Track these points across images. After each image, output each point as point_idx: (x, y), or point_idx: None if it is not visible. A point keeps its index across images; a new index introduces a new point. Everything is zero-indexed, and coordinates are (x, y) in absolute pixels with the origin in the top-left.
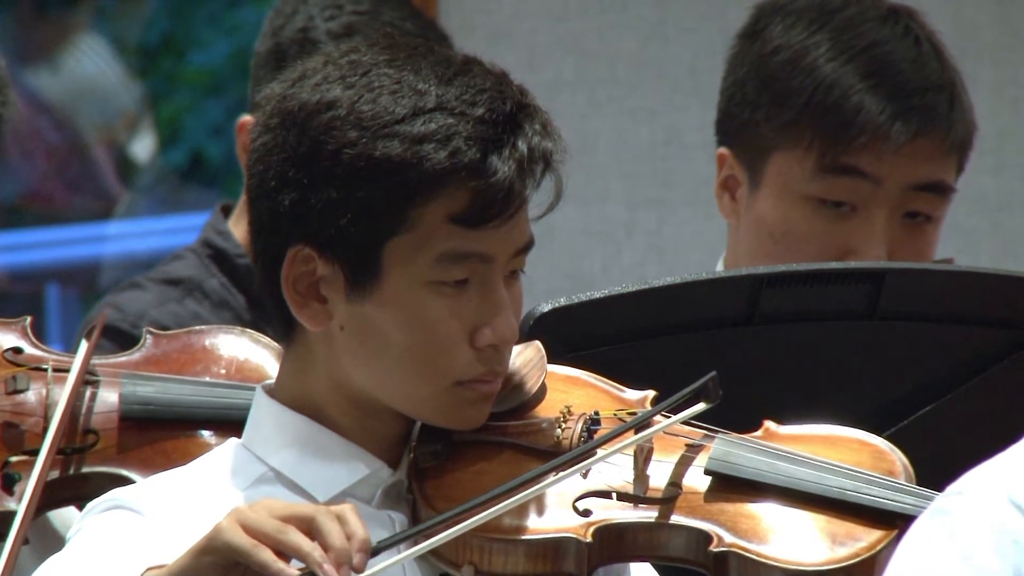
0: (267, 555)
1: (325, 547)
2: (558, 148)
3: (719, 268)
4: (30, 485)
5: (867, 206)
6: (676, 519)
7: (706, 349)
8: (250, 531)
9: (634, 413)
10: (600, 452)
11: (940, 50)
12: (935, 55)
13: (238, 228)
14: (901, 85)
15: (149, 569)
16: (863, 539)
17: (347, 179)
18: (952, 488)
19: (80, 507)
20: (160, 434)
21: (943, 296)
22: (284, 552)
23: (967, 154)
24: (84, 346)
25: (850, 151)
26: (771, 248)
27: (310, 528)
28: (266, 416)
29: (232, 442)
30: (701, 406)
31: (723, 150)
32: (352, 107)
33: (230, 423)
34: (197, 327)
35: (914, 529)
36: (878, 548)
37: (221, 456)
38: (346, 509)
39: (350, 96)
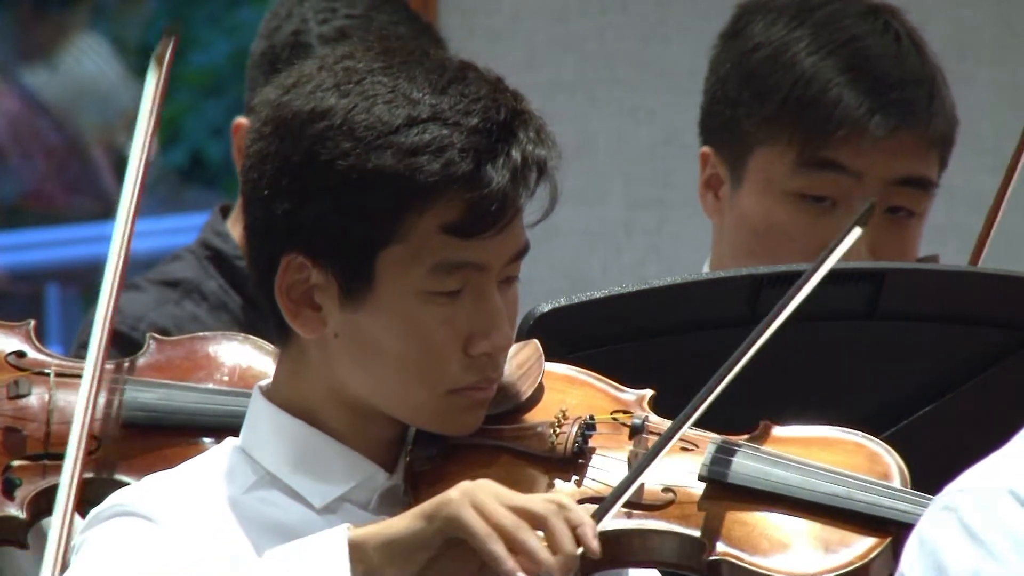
0: (502, 550)
1: (555, 549)
2: (552, 155)
3: (705, 269)
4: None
5: (848, 201)
6: (669, 526)
7: (706, 349)
8: (485, 516)
9: (629, 413)
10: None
11: (920, 46)
12: (915, 50)
13: (236, 228)
14: (880, 79)
15: (351, 528)
16: (856, 546)
17: (340, 190)
18: (953, 486)
19: (83, 513)
20: (162, 441)
21: (943, 296)
22: (513, 550)
23: (949, 149)
24: (94, 351)
25: (829, 145)
26: (754, 245)
27: (541, 526)
28: (262, 417)
29: (229, 443)
30: (857, 231)
31: (706, 149)
32: (346, 117)
33: (232, 431)
34: (201, 333)
35: (923, 526)
36: (871, 556)
37: (218, 458)
38: (570, 502)
39: (344, 105)
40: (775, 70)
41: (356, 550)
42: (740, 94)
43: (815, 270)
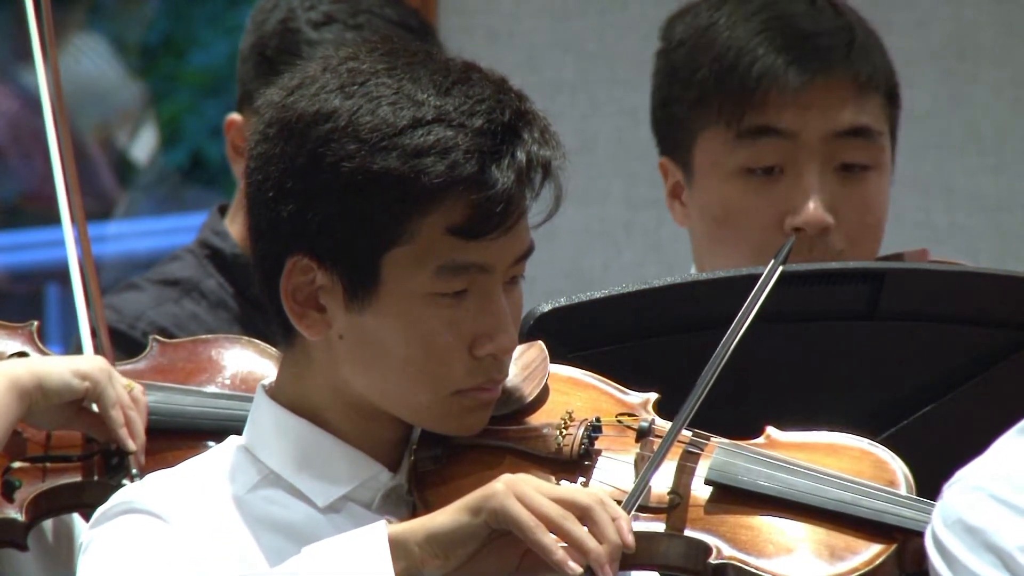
0: (551, 540)
1: (600, 539)
2: (557, 155)
3: (692, 271)
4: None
5: (794, 164)
6: (675, 529)
7: (706, 349)
8: (530, 507)
9: (634, 416)
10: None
11: (836, 5)
12: (831, 7)
13: (234, 226)
14: (793, 35)
15: (391, 522)
16: (862, 553)
17: (345, 192)
18: (965, 471)
19: (85, 516)
20: (162, 444)
21: (943, 296)
22: (561, 539)
23: (893, 98)
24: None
25: (754, 108)
26: (717, 232)
27: (585, 517)
28: (266, 417)
29: (232, 441)
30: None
31: (663, 159)
32: (351, 119)
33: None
34: (203, 336)
35: (959, 510)
36: (877, 562)
37: (222, 457)
38: (606, 496)
39: (349, 107)
40: (697, 55)
41: (397, 546)
42: (671, 90)
43: (741, 323)
